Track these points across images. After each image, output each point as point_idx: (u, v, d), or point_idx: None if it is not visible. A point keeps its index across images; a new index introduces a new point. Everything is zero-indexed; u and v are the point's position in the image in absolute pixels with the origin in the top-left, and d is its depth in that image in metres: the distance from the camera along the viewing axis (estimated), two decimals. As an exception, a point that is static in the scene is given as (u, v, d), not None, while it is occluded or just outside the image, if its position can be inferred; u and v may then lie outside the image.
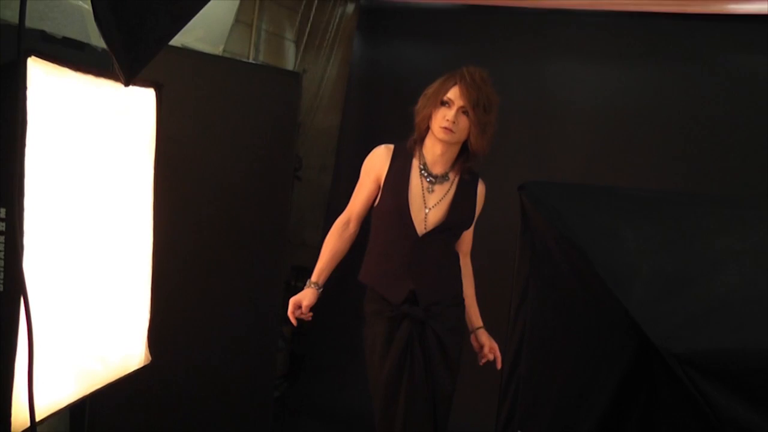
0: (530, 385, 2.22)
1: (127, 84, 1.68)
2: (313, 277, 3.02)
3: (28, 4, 1.40)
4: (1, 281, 1.47)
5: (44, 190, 1.53)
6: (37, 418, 1.54)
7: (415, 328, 2.89)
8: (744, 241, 2.02)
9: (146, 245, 2.06)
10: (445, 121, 2.80)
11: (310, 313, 2.99)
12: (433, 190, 2.93)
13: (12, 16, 1.43)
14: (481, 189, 3.02)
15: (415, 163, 2.95)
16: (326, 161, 4.96)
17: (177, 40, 3.24)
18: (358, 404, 4.09)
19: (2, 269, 1.46)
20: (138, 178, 1.99)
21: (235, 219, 3.63)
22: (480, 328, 3.10)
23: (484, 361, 3.08)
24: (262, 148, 3.73)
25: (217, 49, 3.83)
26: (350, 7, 4.88)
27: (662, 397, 1.67)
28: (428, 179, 2.92)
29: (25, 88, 1.41)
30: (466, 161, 2.96)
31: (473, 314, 3.11)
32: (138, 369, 2.09)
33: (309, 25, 4.68)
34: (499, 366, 3.04)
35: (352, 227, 3.06)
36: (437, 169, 2.94)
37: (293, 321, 2.99)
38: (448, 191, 2.95)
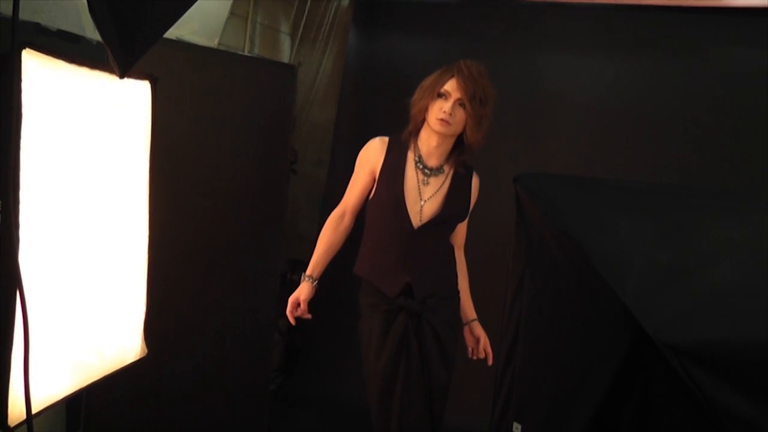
0: (526, 377, 2.23)
1: (122, 77, 1.69)
2: (309, 271, 3.02)
3: (23, -4, 1.39)
4: (-3, 274, 1.47)
5: (40, 183, 1.53)
6: (34, 411, 1.54)
7: (410, 320, 2.89)
8: (739, 232, 2.03)
9: (142, 238, 2.06)
10: (441, 112, 2.81)
11: (309, 315, 2.99)
12: (428, 183, 2.93)
13: (7, 8, 1.43)
14: (475, 182, 3.03)
15: (410, 156, 2.95)
16: (322, 154, 4.96)
17: (172, 33, 3.23)
18: (354, 397, 4.09)
19: (-2, 262, 1.46)
20: (133, 171, 1.99)
21: (231, 212, 3.63)
22: (474, 320, 3.11)
23: (475, 357, 3.09)
24: (258, 141, 3.73)
25: (213, 42, 3.83)
26: (345, 0, 4.87)
27: (658, 388, 1.68)
28: (423, 172, 2.92)
29: (19, 80, 1.41)
30: (461, 154, 2.96)
31: (467, 307, 3.12)
32: (134, 361, 2.09)
33: (304, 17, 4.67)
34: (490, 363, 3.05)
35: (347, 220, 3.06)
36: (432, 162, 2.94)
37: (291, 320, 2.99)
38: (443, 184, 2.95)
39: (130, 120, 1.94)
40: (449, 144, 2.94)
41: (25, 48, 1.43)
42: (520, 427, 2.20)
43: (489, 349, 3.06)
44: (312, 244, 3.08)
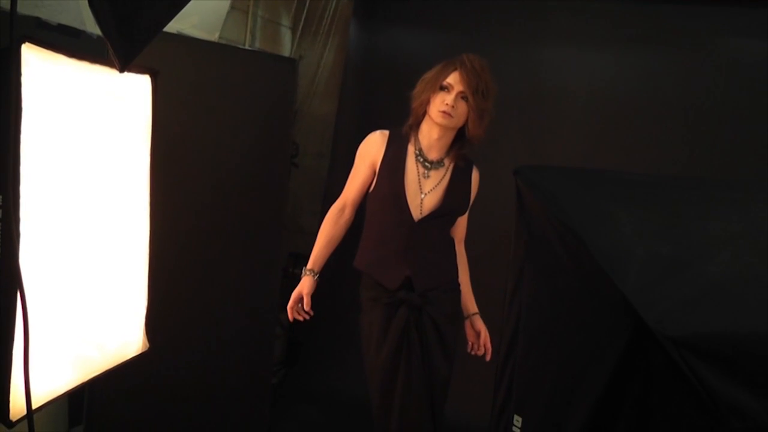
0: (526, 370, 2.23)
1: (122, 71, 1.68)
2: (309, 265, 3.02)
3: (23, -9, 1.39)
4: (-2, 268, 1.47)
5: (40, 178, 1.53)
6: (35, 406, 1.54)
7: (411, 314, 2.89)
8: (739, 223, 2.03)
9: (143, 232, 2.06)
10: (444, 105, 2.81)
11: (310, 312, 2.98)
12: (428, 176, 2.93)
13: (8, 3, 1.42)
14: (475, 176, 3.03)
15: (411, 149, 2.95)
16: (323, 148, 4.95)
17: (172, 27, 3.22)
18: (356, 390, 4.10)
19: (-2, 256, 1.46)
20: (134, 165, 1.99)
21: (232, 206, 3.63)
22: (475, 314, 3.12)
23: (474, 353, 3.10)
24: (259, 134, 3.72)
25: (213, 36, 3.82)
26: (346, -6, 4.86)
27: (658, 381, 1.68)
28: (424, 165, 2.93)
29: (19, 74, 1.41)
30: (461, 148, 2.97)
31: (468, 300, 3.12)
32: (136, 356, 2.09)
33: (305, 11, 4.66)
34: (488, 358, 3.06)
35: (348, 213, 3.06)
36: (433, 155, 2.95)
37: (290, 316, 3.00)
38: (443, 177, 2.95)
39: (131, 114, 1.94)
40: (450, 137, 2.94)
41: (25, 42, 1.43)
42: (520, 419, 2.20)
43: (489, 345, 3.07)
44: (313, 237, 3.09)
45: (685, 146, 4.38)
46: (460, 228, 3.13)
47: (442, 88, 2.85)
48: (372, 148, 3.00)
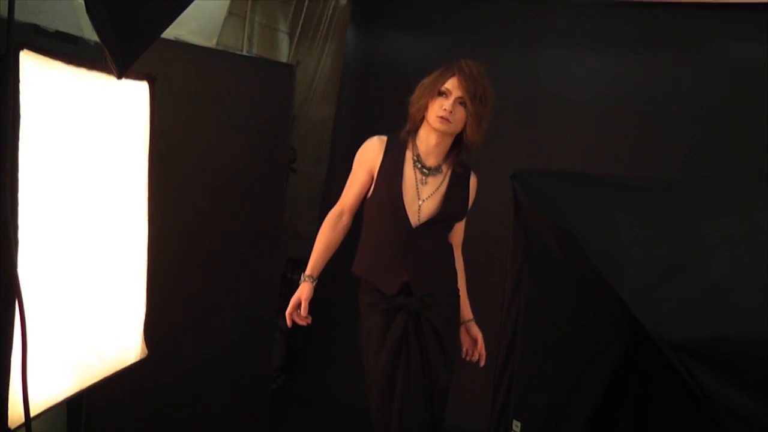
0: (525, 374, 2.23)
1: (119, 77, 1.69)
2: (308, 271, 3.01)
3: (20, -3, 1.40)
4: (-4, 276, 1.47)
5: (38, 184, 1.53)
6: (34, 413, 1.55)
7: (410, 319, 2.89)
8: (737, 227, 2.03)
9: (141, 239, 2.07)
10: (442, 110, 2.81)
11: (309, 317, 2.98)
12: (426, 182, 2.93)
13: (5, 10, 1.43)
14: (473, 182, 3.03)
15: (409, 155, 2.95)
16: (321, 153, 4.96)
17: (170, 33, 3.23)
18: (355, 396, 4.09)
19: (-4, 263, 1.46)
20: (132, 171, 1.99)
21: (230, 212, 3.63)
22: (471, 320, 3.12)
23: (469, 359, 3.10)
24: (257, 140, 3.73)
25: (211, 42, 3.83)
26: (343, -1, 4.88)
27: (656, 384, 1.68)
28: (422, 171, 2.93)
29: (17, 81, 1.41)
30: (459, 154, 2.97)
31: (464, 306, 3.12)
32: (135, 362, 2.09)
33: (302, 16, 4.68)
34: (482, 365, 3.06)
35: (346, 219, 3.05)
36: (430, 161, 2.95)
37: (289, 322, 2.99)
38: (441, 183, 2.95)
39: (129, 120, 1.94)
40: (448, 143, 2.94)
41: (22, 49, 1.43)
42: (519, 424, 2.20)
43: (483, 351, 3.06)
44: (311, 242, 3.08)
45: (684, 150, 4.38)
46: (458, 234, 3.13)
47: (440, 94, 2.85)
48: (370, 153, 2.99)
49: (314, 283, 2.99)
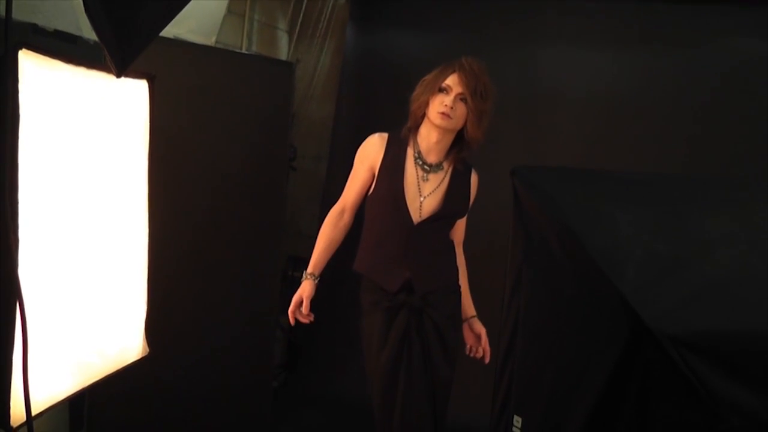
0: (525, 370, 2.23)
1: (119, 76, 1.69)
2: (310, 268, 3.02)
3: (19, -3, 1.40)
4: (-3, 275, 1.47)
5: (38, 183, 1.53)
6: (36, 411, 1.55)
7: (412, 316, 2.89)
8: (737, 222, 2.04)
9: (142, 237, 2.07)
10: (443, 106, 2.82)
11: (311, 315, 2.98)
12: (427, 179, 2.93)
13: (3, 9, 1.43)
14: (474, 179, 3.03)
15: (410, 152, 2.95)
16: (321, 151, 4.96)
17: (169, 32, 3.23)
18: (357, 393, 4.10)
19: (-3, 263, 1.46)
20: (132, 170, 1.99)
21: (231, 210, 3.63)
22: (473, 317, 3.12)
23: (473, 355, 3.10)
24: (257, 138, 3.73)
25: (210, 40, 3.83)
26: (342, -3, 4.87)
27: (657, 379, 1.68)
28: (423, 168, 2.93)
29: (16, 81, 1.41)
30: (461, 151, 2.97)
31: (467, 303, 3.12)
32: (136, 361, 2.09)
33: (302, 14, 4.67)
34: (486, 361, 3.06)
35: (347, 216, 3.05)
36: (432, 158, 2.95)
37: (292, 320, 2.99)
38: (442, 180, 2.95)
39: (128, 119, 1.94)
40: (449, 140, 2.95)
41: (21, 48, 1.43)
42: (520, 419, 2.20)
43: (488, 347, 3.07)
44: (312, 240, 3.08)
45: (684, 145, 4.39)
46: (459, 231, 3.13)
47: (441, 90, 2.85)
48: (371, 150, 3.00)
49: (316, 281, 2.99)
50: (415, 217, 2.90)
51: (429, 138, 2.93)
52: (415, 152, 2.95)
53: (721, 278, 1.81)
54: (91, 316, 1.83)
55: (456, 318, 3.04)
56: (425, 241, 2.94)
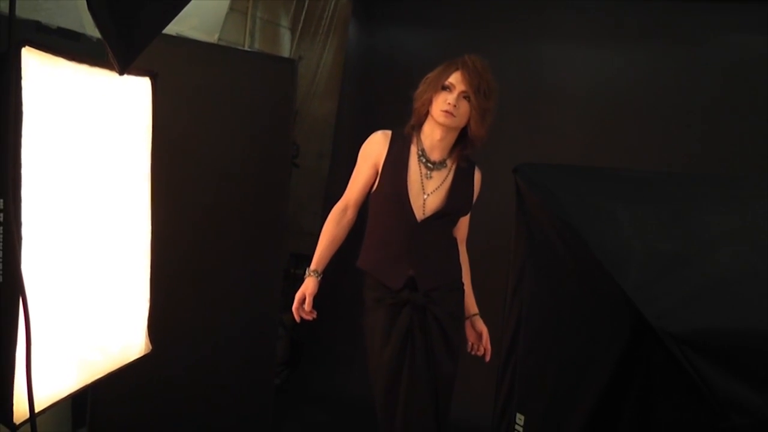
0: (528, 368, 2.23)
1: (121, 73, 1.69)
2: (313, 265, 3.02)
3: (22, -5, 1.40)
4: (0, 272, 1.47)
5: (41, 181, 1.53)
6: (39, 408, 1.55)
7: (415, 313, 2.89)
8: (739, 220, 2.03)
9: (144, 235, 2.07)
10: (446, 104, 2.82)
11: (314, 312, 2.98)
12: (431, 177, 2.93)
13: (6, 7, 1.43)
14: (477, 176, 3.04)
15: (413, 149, 2.95)
16: (323, 148, 4.96)
17: (171, 29, 3.23)
18: (359, 390, 4.10)
19: (0, 260, 1.47)
20: (135, 167, 1.99)
21: (233, 207, 3.63)
22: (476, 315, 3.12)
23: (474, 353, 3.11)
24: (259, 135, 3.73)
25: (212, 38, 3.83)
26: (345, -6, 4.87)
27: (659, 377, 1.68)
28: (426, 165, 2.93)
29: (19, 78, 1.41)
30: (464, 149, 2.97)
31: (469, 301, 3.12)
32: (139, 358, 2.10)
33: (304, 12, 4.67)
34: (487, 359, 3.06)
35: (350, 213, 3.06)
36: (435, 156, 2.95)
37: (297, 317, 2.99)
38: (446, 178, 2.95)
39: (131, 116, 1.94)
40: (452, 137, 2.95)
41: (24, 46, 1.43)
42: (523, 417, 2.20)
43: (489, 345, 3.07)
44: (315, 238, 3.08)
45: (686, 143, 4.38)
46: (462, 228, 3.13)
47: (444, 88, 2.85)
48: (375, 147, 3.00)
49: (319, 278, 3.00)
50: (419, 214, 2.90)
51: (432, 135, 2.93)
52: (418, 150, 2.95)
53: (723, 276, 1.81)
54: (94, 314, 1.83)
55: (459, 315, 3.04)
56: (429, 239, 2.94)
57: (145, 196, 2.05)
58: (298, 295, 2.97)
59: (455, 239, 3.10)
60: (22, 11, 2.34)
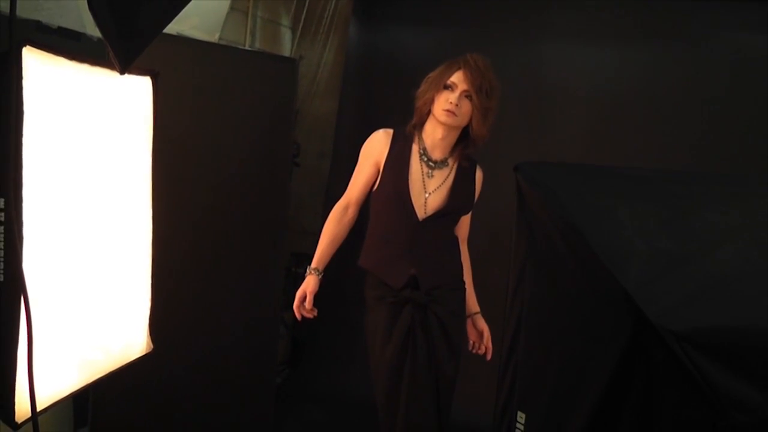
0: (528, 366, 2.23)
1: (122, 72, 1.69)
2: (314, 264, 3.02)
3: (23, -6, 1.40)
4: (1, 272, 1.47)
5: (42, 180, 1.54)
6: (40, 407, 1.55)
7: (417, 312, 2.89)
8: (740, 218, 2.03)
9: (146, 234, 2.07)
10: (448, 103, 2.82)
11: (315, 310, 2.99)
12: (432, 175, 2.94)
13: (7, 7, 1.43)
14: (479, 175, 3.04)
15: (415, 148, 2.96)
16: (324, 147, 4.96)
17: (172, 28, 3.23)
18: (360, 390, 4.10)
19: (2, 260, 1.47)
20: (136, 167, 1.99)
21: (234, 206, 3.63)
22: (477, 313, 3.12)
23: (475, 351, 3.11)
24: (260, 135, 3.73)
25: (213, 37, 3.83)
26: (345, -7, 4.87)
27: (660, 374, 1.68)
28: (428, 164, 2.93)
29: (20, 78, 1.42)
30: (466, 148, 2.97)
31: (470, 300, 3.12)
32: (140, 357, 2.10)
33: (305, 11, 4.67)
34: (488, 358, 3.06)
35: (351, 212, 3.06)
36: (437, 155, 2.95)
37: (299, 316, 3.00)
38: (447, 177, 2.95)
39: (132, 116, 1.95)
40: (454, 137, 2.95)
41: (25, 45, 1.44)
42: (524, 416, 2.20)
43: (490, 344, 3.07)
44: (316, 236, 3.09)
45: (688, 141, 4.38)
46: (464, 227, 3.13)
47: (446, 87, 2.85)
48: (376, 146, 3.00)
49: (320, 277, 3.00)
50: (420, 213, 2.90)
51: (434, 134, 2.93)
52: (420, 148, 2.95)
53: (724, 274, 1.81)
54: (95, 313, 1.83)
55: (460, 314, 3.04)
56: (430, 238, 2.94)
57: (145, 195, 2.05)
58: (299, 293, 2.97)
59: (456, 238, 3.10)
60: (23, 11, 2.34)
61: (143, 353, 2.11)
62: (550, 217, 2.11)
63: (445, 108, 2.83)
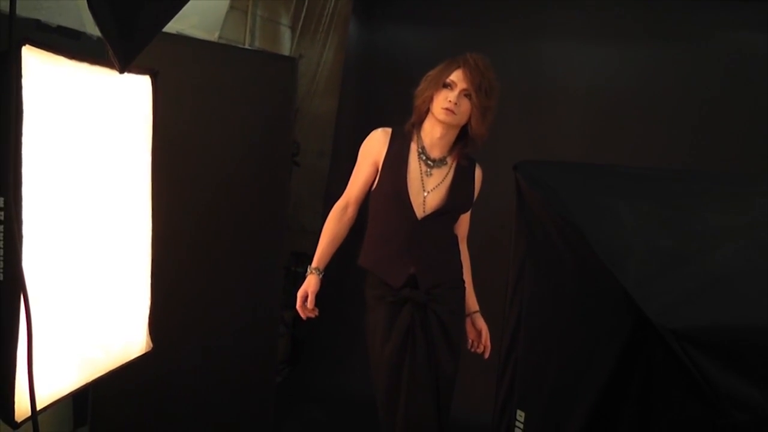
0: (528, 365, 2.23)
1: (122, 71, 1.69)
2: (314, 263, 3.03)
3: (23, -7, 1.40)
4: (1, 270, 1.47)
5: (42, 179, 1.54)
6: (40, 406, 1.55)
7: (416, 311, 2.89)
8: (740, 217, 2.03)
9: (145, 233, 2.07)
10: (447, 102, 2.82)
11: (317, 309, 2.99)
12: (431, 174, 2.93)
13: (7, 6, 1.43)
14: (478, 174, 3.04)
15: (414, 147, 2.96)
16: (324, 146, 4.96)
17: (172, 27, 3.23)
18: (360, 389, 4.10)
19: (1, 258, 1.47)
20: (135, 165, 1.99)
21: (234, 205, 3.63)
22: (476, 312, 3.12)
23: (474, 350, 3.11)
24: (260, 134, 3.73)
25: (213, 36, 3.83)
26: (345, -8, 4.87)
27: (659, 374, 1.68)
28: (426, 163, 2.93)
29: (20, 76, 1.42)
30: (465, 146, 2.97)
31: (470, 299, 3.12)
32: (140, 356, 2.10)
33: (304, 10, 4.67)
34: (486, 356, 3.07)
35: (351, 211, 3.06)
36: (435, 153, 2.95)
37: (303, 315, 3.00)
38: (446, 175, 2.95)
39: (132, 114, 1.95)
40: (452, 135, 2.95)
41: (25, 44, 1.44)
42: (523, 414, 2.20)
43: (488, 343, 3.07)
44: (315, 236, 3.09)
45: (687, 140, 4.38)
46: (463, 226, 3.13)
47: (446, 86, 2.85)
48: (375, 145, 3.00)
49: (320, 276, 3.00)
50: (419, 212, 2.90)
51: (433, 133, 2.93)
52: (418, 147, 2.95)
53: (723, 273, 1.81)
54: (95, 312, 1.83)
55: (460, 313, 3.04)
56: (429, 236, 2.94)
57: (145, 194, 2.05)
58: (300, 293, 2.97)
59: (456, 237, 3.10)
60: (23, 10, 2.34)
61: (143, 352, 2.12)
62: (549, 216, 2.11)
63: (444, 106, 2.82)
